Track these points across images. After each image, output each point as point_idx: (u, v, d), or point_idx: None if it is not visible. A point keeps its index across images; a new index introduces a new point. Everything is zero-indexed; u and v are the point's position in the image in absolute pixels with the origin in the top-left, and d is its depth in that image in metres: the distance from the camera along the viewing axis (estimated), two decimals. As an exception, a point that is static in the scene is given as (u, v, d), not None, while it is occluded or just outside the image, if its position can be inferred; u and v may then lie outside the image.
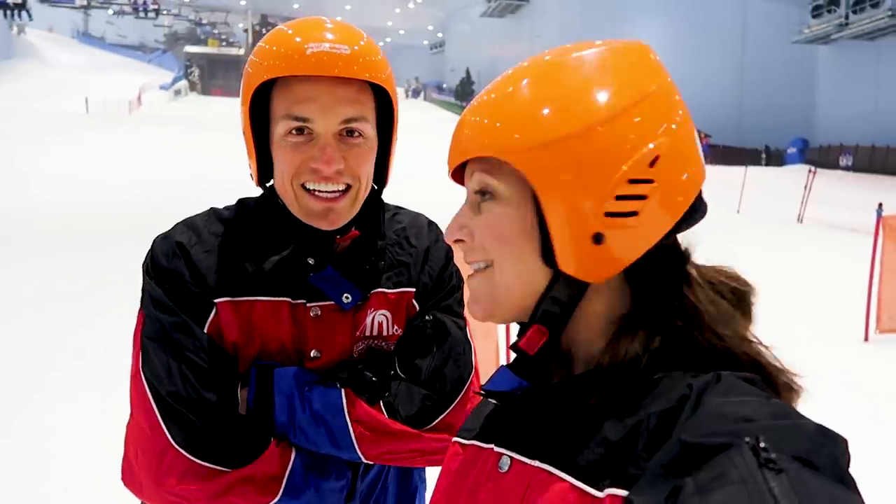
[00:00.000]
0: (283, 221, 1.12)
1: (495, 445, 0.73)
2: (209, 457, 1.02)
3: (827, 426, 0.53)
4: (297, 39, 1.05)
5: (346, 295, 1.12)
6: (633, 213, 0.64)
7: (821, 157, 30.85)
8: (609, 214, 0.63)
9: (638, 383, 0.64)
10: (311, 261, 1.12)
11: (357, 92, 1.07)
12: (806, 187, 14.48)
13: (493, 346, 4.43)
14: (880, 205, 6.23)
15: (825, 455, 0.50)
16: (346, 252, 1.16)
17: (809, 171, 15.90)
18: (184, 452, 1.01)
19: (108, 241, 9.01)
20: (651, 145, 0.64)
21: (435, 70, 64.60)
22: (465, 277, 0.79)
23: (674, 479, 0.53)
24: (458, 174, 0.75)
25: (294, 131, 1.05)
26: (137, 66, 51.17)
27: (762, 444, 0.50)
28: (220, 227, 1.14)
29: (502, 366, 0.74)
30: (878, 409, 4.39)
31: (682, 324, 0.66)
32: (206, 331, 1.07)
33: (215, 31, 64.47)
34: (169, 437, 1.01)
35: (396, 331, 1.19)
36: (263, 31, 53.19)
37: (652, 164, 0.63)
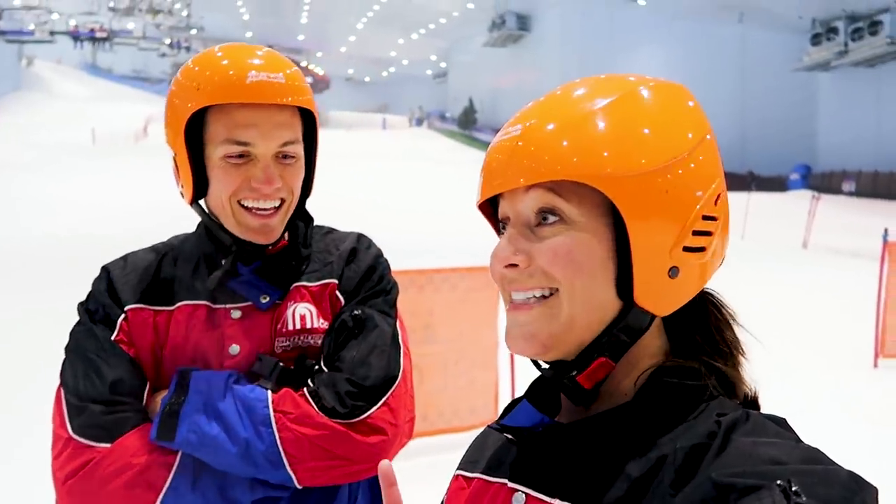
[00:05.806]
0: (217, 240, 1.19)
1: (508, 480, 0.70)
2: (106, 441, 1.06)
3: (859, 474, 0.52)
4: (231, 71, 1.11)
5: (263, 295, 1.17)
6: (702, 249, 0.67)
7: (823, 182, 30.92)
8: (686, 249, 0.65)
9: (664, 417, 0.63)
10: (223, 262, 1.17)
11: (290, 117, 1.15)
12: (810, 213, 14.47)
13: (492, 376, 4.28)
14: (886, 230, 6.22)
15: (857, 503, 0.50)
16: (272, 257, 1.21)
17: (813, 196, 15.89)
18: (81, 440, 1.05)
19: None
20: (714, 185, 0.67)
21: (438, 99, 65.22)
22: (506, 311, 0.69)
23: None
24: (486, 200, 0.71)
25: (234, 154, 1.11)
26: (144, 97, 51.79)
27: (794, 488, 0.49)
28: (150, 253, 1.23)
29: (523, 400, 0.72)
30: (887, 434, 4.33)
31: (719, 358, 0.68)
32: (116, 335, 1.14)
33: (221, 63, 65.62)
34: (69, 429, 1.07)
35: (322, 324, 1.20)
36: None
37: (716, 201, 0.67)
